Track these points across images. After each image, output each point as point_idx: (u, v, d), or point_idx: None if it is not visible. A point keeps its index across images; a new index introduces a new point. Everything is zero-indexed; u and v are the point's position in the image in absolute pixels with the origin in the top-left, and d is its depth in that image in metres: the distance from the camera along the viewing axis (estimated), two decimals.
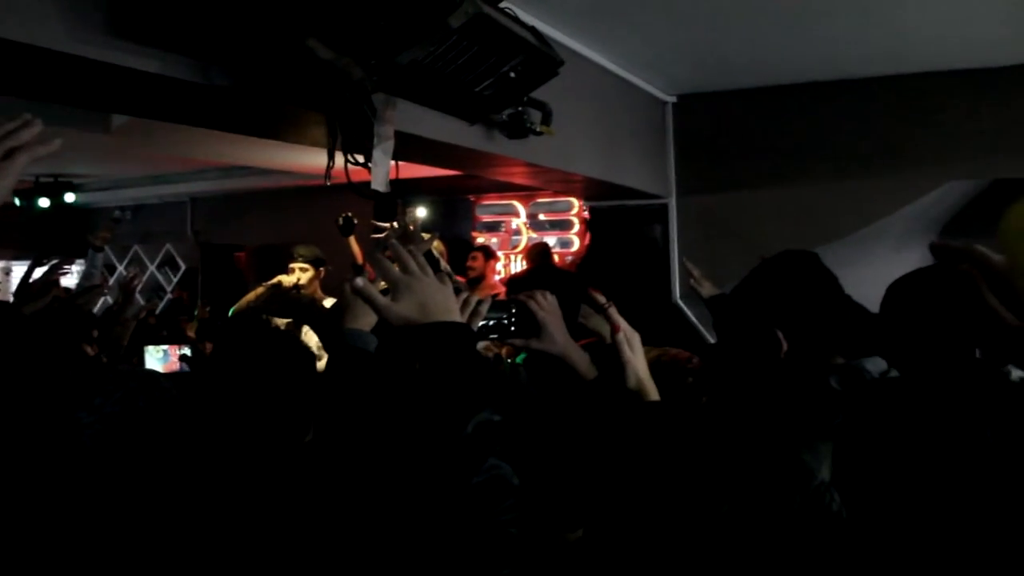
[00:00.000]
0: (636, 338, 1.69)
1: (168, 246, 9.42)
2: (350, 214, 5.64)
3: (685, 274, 3.92)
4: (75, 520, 1.69)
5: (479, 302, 1.63)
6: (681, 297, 5.23)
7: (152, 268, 9.29)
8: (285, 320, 4.35)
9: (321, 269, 5.17)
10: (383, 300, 1.35)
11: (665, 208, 5.27)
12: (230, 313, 5.28)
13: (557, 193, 6.80)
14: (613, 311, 1.71)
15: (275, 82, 2.35)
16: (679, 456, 1.62)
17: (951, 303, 1.67)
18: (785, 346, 1.94)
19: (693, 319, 5.06)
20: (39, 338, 2.31)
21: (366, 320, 1.86)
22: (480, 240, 7.83)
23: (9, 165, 1.15)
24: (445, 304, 1.38)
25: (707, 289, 3.70)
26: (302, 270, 5.09)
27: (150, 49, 2.03)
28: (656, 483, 1.64)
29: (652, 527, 1.68)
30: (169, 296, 8.99)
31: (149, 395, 1.90)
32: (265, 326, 2.26)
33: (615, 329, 1.66)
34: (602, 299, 1.75)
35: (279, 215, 8.87)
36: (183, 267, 9.22)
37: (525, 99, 3.00)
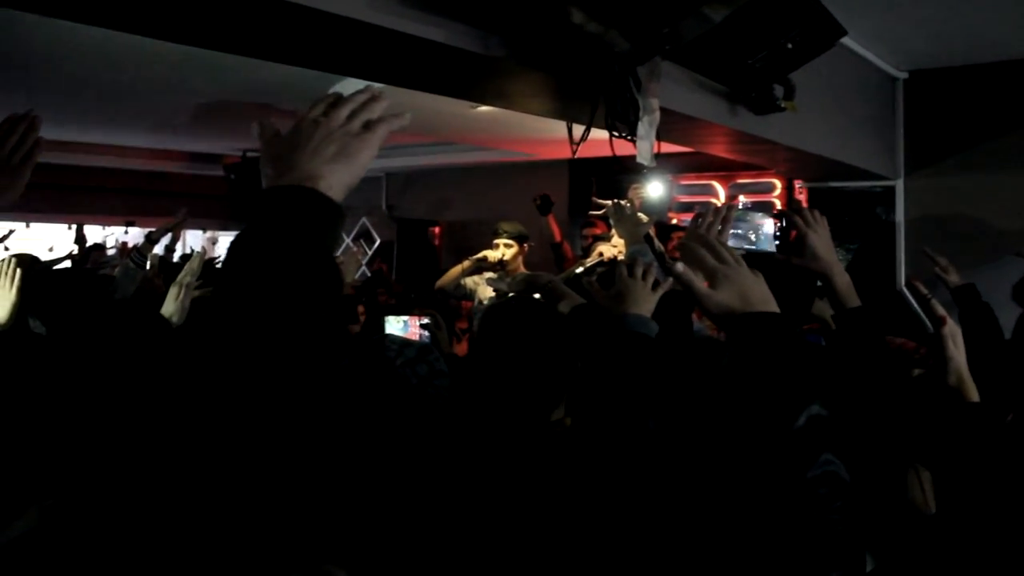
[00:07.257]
0: (959, 334, 1.59)
1: (364, 220, 9.74)
2: (547, 193, 5.64)
3: (926, 261, 3.73)
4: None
5: (728, 208, 1.69)
6: (906, 284, 4.94)
7: (348, 241, 9.62)
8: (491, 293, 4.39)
9: (525, 245, 5.20)
10: (704, 288, 1.34)
11: (892, 190, 4.97)
12: (435, 286, 5.41)
13: (778, 174, 6.53)
14: (936, 304, 1.62)
15: (538, 53, 2.31)
16: (995, 459, 1.53)
17: None
18: None
19: (917, 308, 4.77)
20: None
21: (646, 306, 1.83)
22: (674, 221, 7.65)
23: (370, 136, 1.17)
24: (764, 295, 1.35)
25: (954, 278, 3.57)
26: (507, 246, 5.15)
27: (436, 17, 2.02)
28: (966, 483, 1.55)
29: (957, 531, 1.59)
30: (364, 270, 9.28)
31: (427, 364, 1.91)
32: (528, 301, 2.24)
33: (942, 322, 1.57)
34: (924, 290, 1.67)
35: (471, 192, 9.00)
36: (378, 240, 9.50)
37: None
